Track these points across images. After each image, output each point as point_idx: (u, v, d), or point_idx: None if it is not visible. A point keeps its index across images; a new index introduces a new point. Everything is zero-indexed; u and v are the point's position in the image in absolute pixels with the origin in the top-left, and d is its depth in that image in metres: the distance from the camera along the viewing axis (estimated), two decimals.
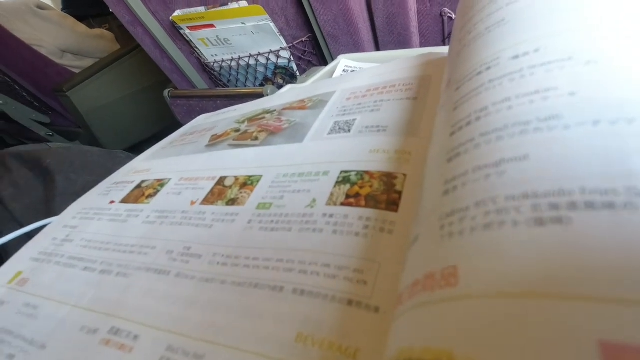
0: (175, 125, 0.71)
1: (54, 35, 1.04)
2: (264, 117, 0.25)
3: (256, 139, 0.22)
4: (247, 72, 0.71)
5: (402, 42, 0.55)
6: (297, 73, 0.67)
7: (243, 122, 0.26)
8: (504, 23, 0.14)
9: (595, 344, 0.06)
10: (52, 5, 1.20)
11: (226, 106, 0.24)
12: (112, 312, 0.15)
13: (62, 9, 1.36)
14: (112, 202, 0.23)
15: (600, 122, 0.09)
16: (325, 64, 0.64)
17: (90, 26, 1.23)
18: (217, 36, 0.65)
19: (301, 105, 0.24)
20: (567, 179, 0.08)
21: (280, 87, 0.71)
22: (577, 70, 0.10)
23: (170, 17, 0.64)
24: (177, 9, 0.64)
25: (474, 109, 0.12)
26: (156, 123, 1.22)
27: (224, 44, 0.66)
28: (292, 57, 0.65)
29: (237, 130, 0.25)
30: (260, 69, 0.69)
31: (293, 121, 0.23)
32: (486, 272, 0.08)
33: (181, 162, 0.24)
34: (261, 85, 0.73)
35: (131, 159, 0.52)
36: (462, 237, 0.09)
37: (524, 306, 0.07)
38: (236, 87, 0.75)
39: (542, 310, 0.07)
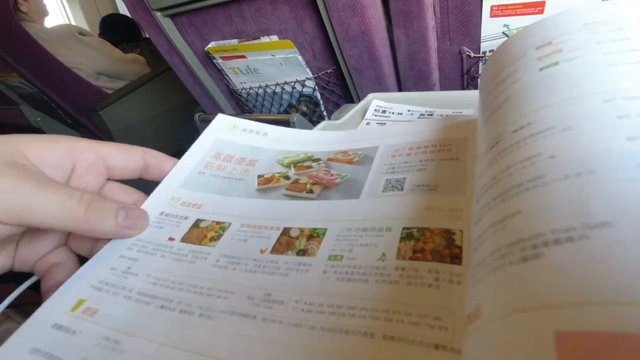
0: None
1: (92, 59, 1.11)
2: (310, 166, 0.27)
3: (311, 191, 0.24)
4: (273, 99, 0.75)
5: (422, 77, 0.59)
6: (321, 101, 0.71)
7: (289, 166, 0.28)
8: (509, 101, 0.16)
9: (551, 334, 0.08)
10: (91, 31, 1.29)
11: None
12: (205, 352, 0.16)
13: (99, 34, 1.45)
14: (172, 239, 0.23)
15: (569, 176, 0.11)
16: (349, 94, 0.68)
17: (124, 50, 1.31)
18: (247, 66, 0.69)
19: (348, 160, 0.26)
20: (543, 224, 0.11)
21: (304, 114, 0.75)
22: (556, 137, 0.12)
23: (205, 48, 0.69)
24: (211, 41, 0.69)
25: (489, 178, 0.15)
26: (179, 142, 1.28)
27: (253, 73, 0.71)
28: (316, 87, 0.69)
29: (287, 177, 0.26)
30: (286, 97, 0.73)
31: (345, 176, 0.25)
32: (496, 302, 0.11)
33: (236, 205, 0.25)
34: (285, 111, 0.77)
35: None
36: (482, 281, 0.12)
37: (514, 320, 0.09)
38: (261, 112, 0.79)
39: (520, 321, 0.09)
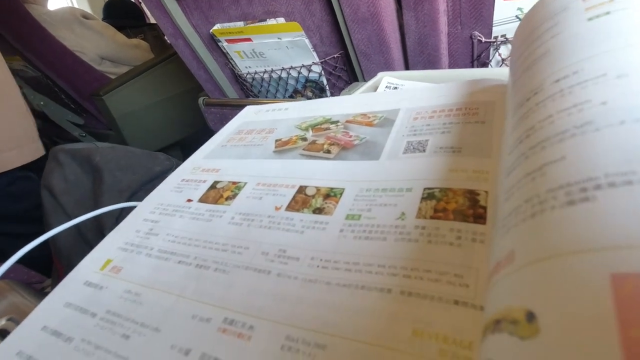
0: (204, 131, 0.75)
1: (95, 43, 1.10)
2: (329, 128, 0.27)
3: (328, 151, 0.24)
4: (278, 84, 0.74)
5: (431, 62, 0.58)
6: (327, 87, 0.70)
7: (306, 129, 0.28)
8: (549, 53, 0.16)
9: (608, 276, 0.08)
10: (94, 15, 1.28)
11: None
12: (221, 305, 0.17)
13: (103, 19, 1.44)
14: (190, 200, 0.24)
15: (626, 122, 0.10)
16: (355, 79, 0.67)
17: (128, 36, 1.30)
18: (252, 49, 0.68)
19: (367, 122, 0.26)
20: (594, 169, 0.10)
21: (309, 100, 0.74)
22: (610, 84, 0.12)
23: (211, 30, 0.68)
24: (217, 23, 0.68)
25: (525, 128, 0.14)
26: (182, 129, 1.27)
27: (258, 57, 0.70)
28: (322, 72, 0.68)
29: (304, 139, 0.26)
30: (291, 82, 0.72)
31: (363, 138, 0.24)
32: (532, 246, 0.10)
33: (253, 166, 0.25)
34: (290, 97, 0.76)
35: (171, 161, 0.55)
36: (516, 228, 0.11)
37: (557, 264, 0.09)
38: (266, 97, 0.78)
39: (569, 263, 0.09)
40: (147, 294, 0.19)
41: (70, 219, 0.41)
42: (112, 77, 1.14)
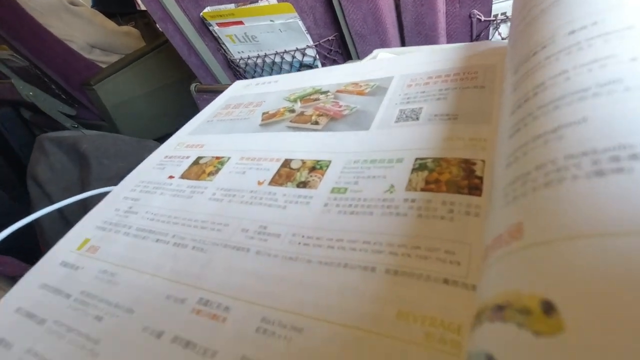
0: None
1: (84, 31, 1.07)
2: (318, 99, 0.25)
3: (317, 123, 0.23)
4: (272, 70, 0.72)
5: (429, 43, 0.56)
6: None
7: (295, 100, 0.26)
8: (560, 3, 0.14)
9: None
10: (83, 2, 1.24)
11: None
12: (197, 284, 0.16)
13: (92, 6, 1.40)
14: (172, 177, 0.24)
15: None
16: None
17: (118, 23, 1.27)
18: (244, 33, 0.66)
19: (359, 90, 0.24)
20: (627, 135, 0.08)
21: None
22: (639, 38, 0.10)
23: (201, 14, 0.66)
24: (207, 6, 0.66)
25: (532, 86, 0.12)
26: (176, 120, 1.25)
27: (250, 41, 0.67)
28: (317, 56, 0.66)
29: (292, 111, 0.25)
30: (285, 67, 0.70)
31: (354, 107, 0.23)
32: (548, 221, 0.08)
33: (237, 140, 0.24)
34: None
35: None
36: (525, 197, 0.10)
37: (584, 245, 0.07)
38: None
39: (603, 246, 0.07)
40: (122, 274, 0.18)
41: (58, 209, 0.39)
42: (103, 66, 1.11)
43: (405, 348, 0.11)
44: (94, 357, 0.15)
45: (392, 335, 0.11)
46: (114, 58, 1.15)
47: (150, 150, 0.53)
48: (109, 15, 1.26)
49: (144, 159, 0.51)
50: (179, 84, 1.19)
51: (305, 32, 0.62)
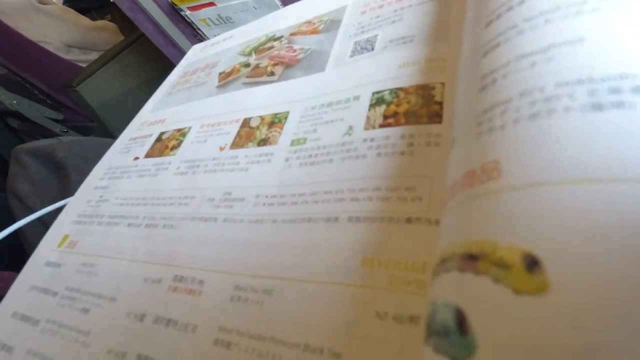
0: None
1: (58, 30, 1.03)
2: (272, 47, 0.24)
3: (272, 74, 0.21)
4: None
5: None
6: None
7: (249, 53, 0.25)
8: None
9: None
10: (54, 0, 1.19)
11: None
12: (170, 262, 0.16)
13: (63, 3, 1.34)
14: (137, 158, 0.23)
15: None
16: None
17: (93, 18, 1.22)
18: (218, 15, 0.62)
19: (312, 29, 0.23)
20: (631, 62, 0.07)
21: None
22: None
23: None
24: None
25: None
26: None
27: (226, 22, 0.64)
28: None
29: (247, 65, 0.24)
30: None
31: (308, 49, 0.21)
32: (533, 161, 0.07)
33: (197, 108, 0.23)
34: None
35: None
36: (504, 130, 0.08)
37: (578, 192, 0.06)
38: None
39: (600, 194, 0.06)
40: (101, 264, 0.18)
41: (41, 221, 0.38)
42: (83, 65, 1.08)
43: (372, 294, 0.11)
44: (86, 348, 0.15)
45: (358, 284, 0.11)
46: (93, 56, 1.12)
47: None
48: (82, 10, 1.21)
49: None
50: (166, 74, 1.15)
51: (280, 6, 0.58)
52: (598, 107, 0.07)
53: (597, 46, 0.08)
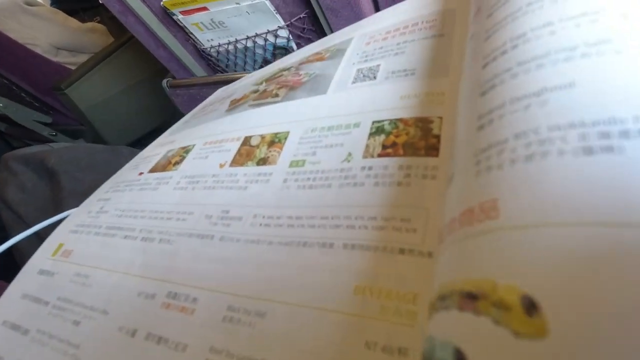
0: (178, 116, 0.70)
1: (46, 32, 1.01)
2: (281, 75, 0.24)
3: (276, 95, 0.22)
4: (246, 55, 0.68)
5: None
6: None
7: (261, 83, 0.26)
8: None
9: None
10: (41, 1, 1.17)
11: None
12: (165, 278, 0.16)
13: (51, 4, 1.32)
14: (141, 173, 0.24)
15: None
16: None
17: (82, 20, 1.20)
18: (211, 19, 0.62)
19: (319, 57, 0.23)
20: (619, 106, 0.07)
21: None
22: None
23: (162, 3, 0.61)
24: None
25: (510, 36, 0.11)
26: (159, 115, 1.21)
27: (219, 27, 0.64)
28: (290, 36, 0.62)
29: (256, 92, 0.25)
30: (259, 51, 0.67)
31: (312, 73, 0.22)
32: (530, 203, 0.07)
33: (204, 129, 0.24)
34: (261, 67, 0.71)
35: (135, 154, 0.51)
36: (501, 170, 0.09)
37: (573, 234, 0.06)
38: (235, 71, 0.73)
39: (592, 237, 0.06)
40: (95, 275, 0.18)
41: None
42: (72, 67, 1.06)
43: (363, 323, 0.11)
44: None
45: (349, 312, 0.11)
46: (82, 58, 1.10)
47: (125, 157, 0.51)
48: (71, 12, 1.19)
49: (120, 166, 0.49)
50: (156, 77, 1.14)
51: (274, 12, 0.58)
52: (588, 151, 0.07)
53: (586, 91, 0.08)
